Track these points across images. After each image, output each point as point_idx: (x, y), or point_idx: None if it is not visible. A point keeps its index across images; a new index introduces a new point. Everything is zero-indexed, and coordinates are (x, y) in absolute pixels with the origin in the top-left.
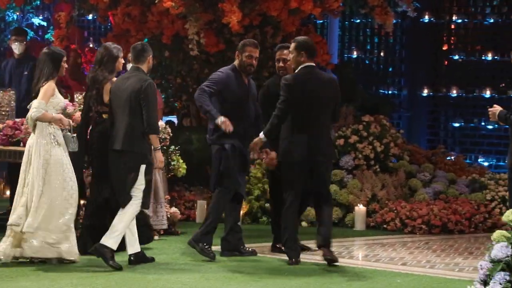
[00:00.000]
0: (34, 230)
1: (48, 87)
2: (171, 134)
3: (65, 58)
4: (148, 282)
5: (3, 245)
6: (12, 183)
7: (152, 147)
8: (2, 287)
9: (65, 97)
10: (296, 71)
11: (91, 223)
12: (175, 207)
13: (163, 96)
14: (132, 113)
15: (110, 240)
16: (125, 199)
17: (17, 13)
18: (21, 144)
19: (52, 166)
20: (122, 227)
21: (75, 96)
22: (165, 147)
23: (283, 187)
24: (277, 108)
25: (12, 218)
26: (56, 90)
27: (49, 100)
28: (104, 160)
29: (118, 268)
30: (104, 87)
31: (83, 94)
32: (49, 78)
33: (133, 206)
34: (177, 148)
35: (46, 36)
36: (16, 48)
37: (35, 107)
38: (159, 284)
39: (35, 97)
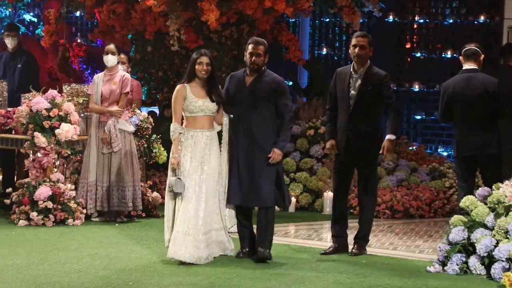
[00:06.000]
0: None
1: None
2: (153, 124)
3: (198, 60)
4: (130, 261)
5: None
6: (4, 167)
7: None
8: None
9: (54, 88)
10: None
11: None
12: (157, 192)
13: (145, 88)
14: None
15: None
16: None
17: (9, 10)
18: (13, 132)
19: None
20: None
21: (63, 87)
22: (147, 136)
23: None
24: None
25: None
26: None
27: None
28: None
29: None
30: None
31: (71, 85)
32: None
33: None
34: (158, 137)
35: (37, 32)
36: (9, 42)
37: None
38: (142, 262)
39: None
